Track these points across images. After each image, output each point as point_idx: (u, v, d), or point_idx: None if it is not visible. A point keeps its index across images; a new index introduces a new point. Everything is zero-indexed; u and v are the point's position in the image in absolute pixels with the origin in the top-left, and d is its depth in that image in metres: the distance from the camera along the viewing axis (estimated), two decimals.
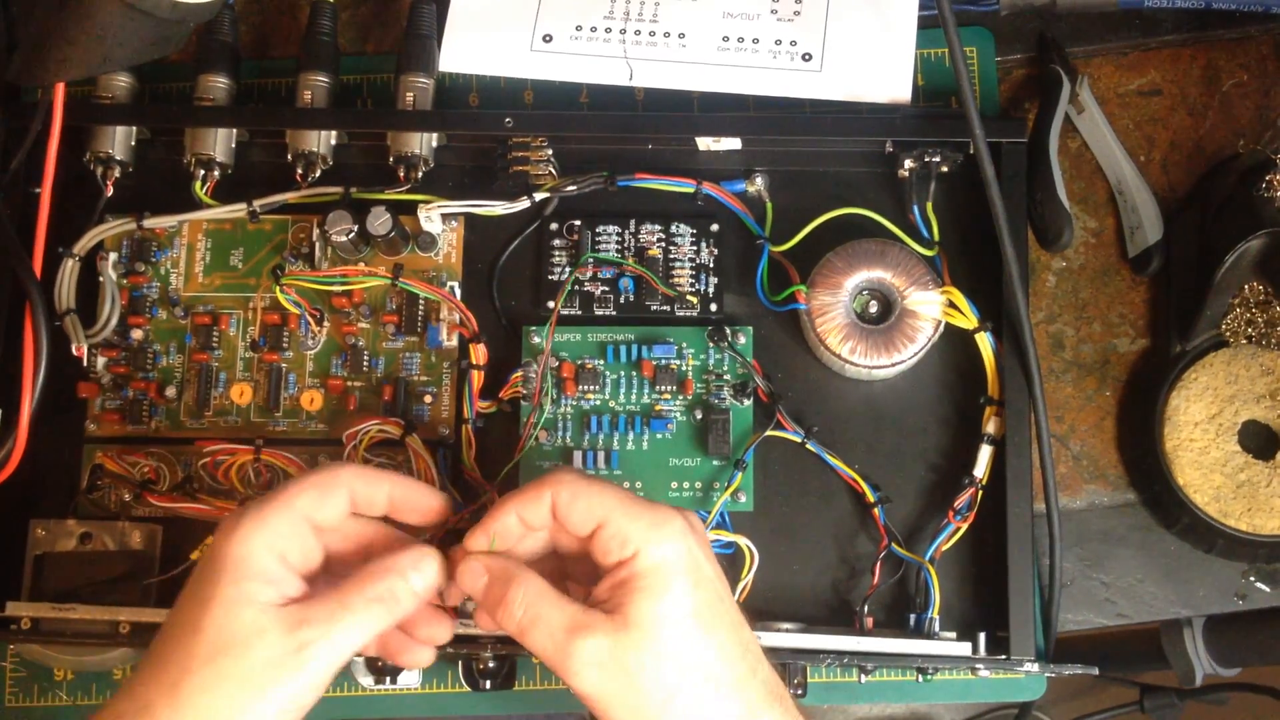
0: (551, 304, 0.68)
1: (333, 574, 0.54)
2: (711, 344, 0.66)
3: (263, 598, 0.51)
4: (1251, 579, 0.67)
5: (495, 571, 0.53)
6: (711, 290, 0.68)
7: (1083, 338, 0.70)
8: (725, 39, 0.69)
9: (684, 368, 0.67)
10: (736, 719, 0.50)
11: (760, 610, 0.65)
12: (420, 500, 0.57)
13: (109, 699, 0.52)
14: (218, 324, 0.69)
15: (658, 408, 0.66)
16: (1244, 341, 0.66)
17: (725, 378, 0.66)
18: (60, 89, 0.64)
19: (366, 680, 0.65)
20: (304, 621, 0.50)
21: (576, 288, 0.68)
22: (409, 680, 0.66)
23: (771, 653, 0.61)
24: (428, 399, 0.67)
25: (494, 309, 0.69)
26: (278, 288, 0.66)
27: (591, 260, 0.68)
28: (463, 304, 0.67)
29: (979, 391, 0.65)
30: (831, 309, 0.65)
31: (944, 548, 0.64)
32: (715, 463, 0.66)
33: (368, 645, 0.54)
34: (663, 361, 0.66)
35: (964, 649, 0.62)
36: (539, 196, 0.68)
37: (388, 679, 0.65)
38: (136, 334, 0.68)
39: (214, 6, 0.64)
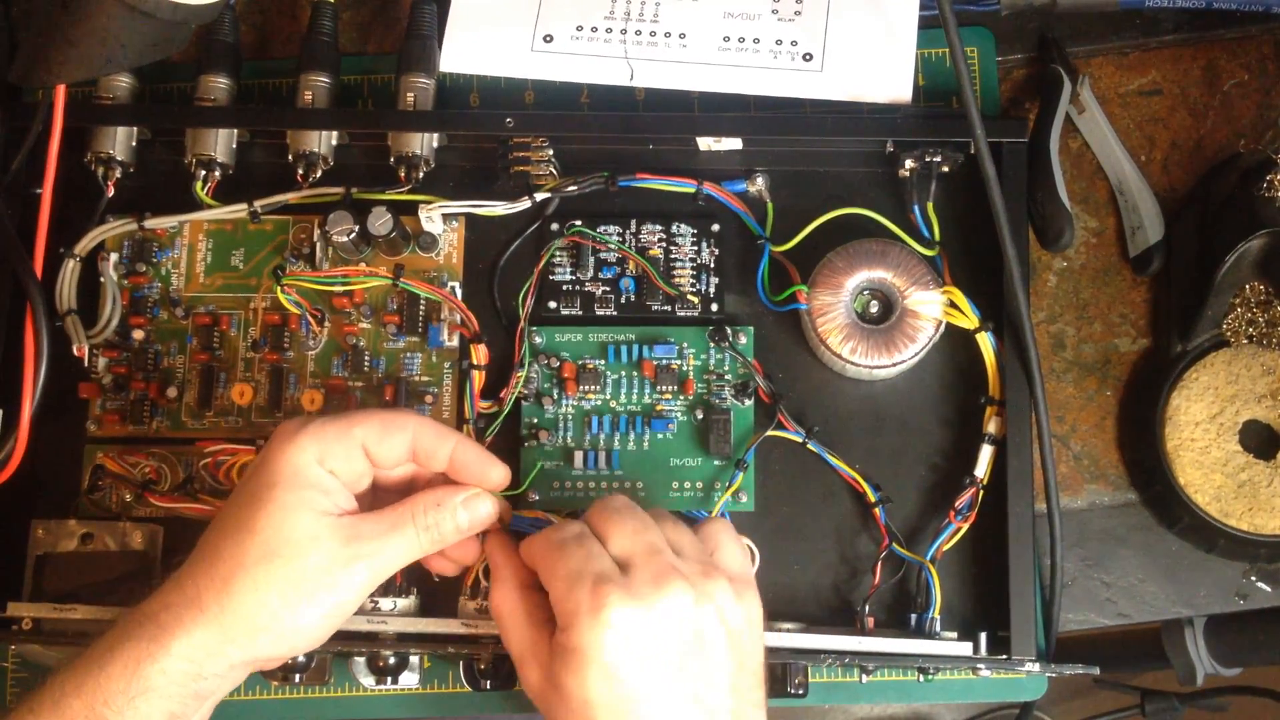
0: (553, 304, 0.68)
1: (379, 504, 0.56)
2: (712, 344, 0.66)
3: (319, 506, 0.53)
4: (1252, 579, 0.67)
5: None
6: (712, 290, 0.68)
7: (1084, 337, 0.70)
8: (726, 39, 0.69)
9: (685, 368, 0.67)
10: None
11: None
12: (481, 467, 0.58)
13: (156, 589, 0.53)
14: (219, 324, 0.69)
15: (659, 408, 0.66)
16: (1245, 341, 0.66)
17: (726, 378, 0.66)
18: (61, 90, 0.64)
19: (367, 680, 0.65)
20: (357, 536, 0.53)
21: (577, 288, 0.68)
22: (409, 680, 0.66)
23: (772, 653, 0.62)
24: (429, 399, 0.67)
25: (495, 309, 0.69)
26: (279, 288, 0.66)
27: (579, 233, 0.68)
28: (463, 304, 0.67)
29: (980, 391, 0.65)
30: (832, 309, 0.65)
31: (945, 547, 0.64)
32: (716, 463, 0.66)
33: None
34: (664, 361, 0.66)
35: (965, 649, 0.62)
36: (540, 197, 0.68)
37: (388, 679, 0.65)
38: (137, 334, 0.68)
39: (215, 8, 0.64)
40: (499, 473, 0.58)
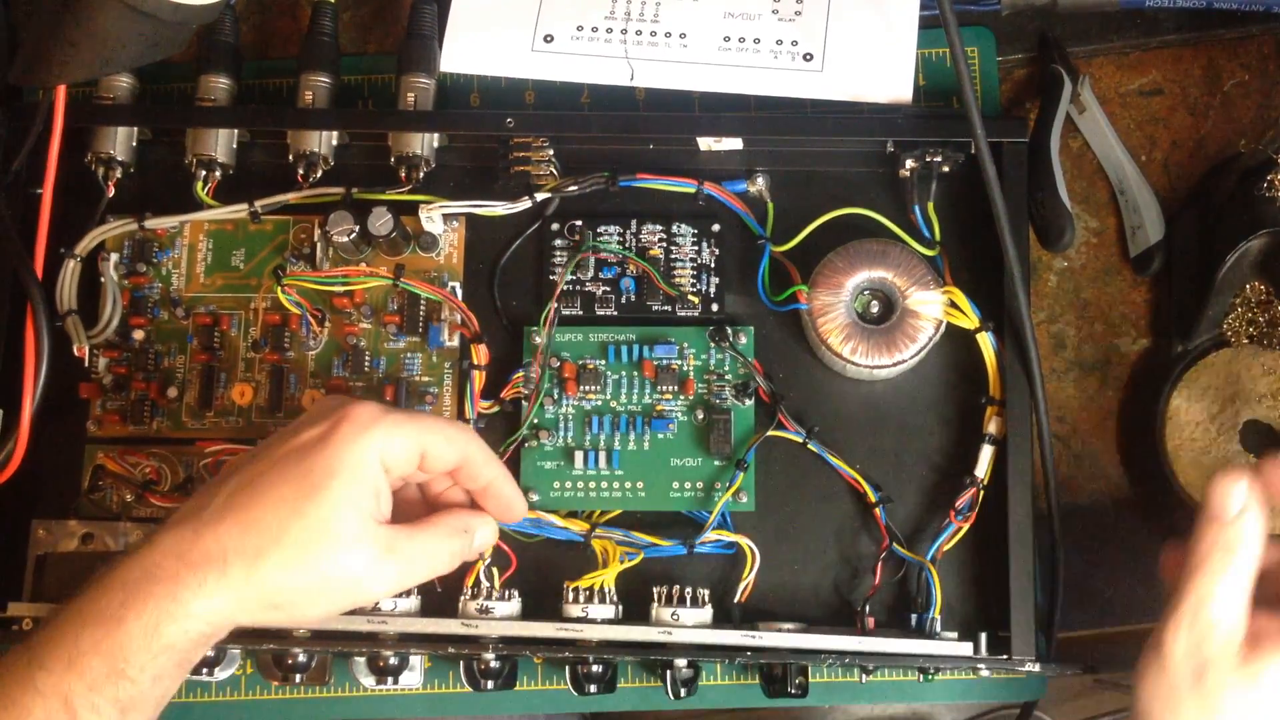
0: (554, 304, 0.68)
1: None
2: (713, 344, 0.66)
3: (369, 510, 0.52)
4: None
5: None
6: (713, 290, 0.68)
7: (1084, 337, 0.70)
8: (726, 39, 0.69)
9: (685, 368, 0.67)
10: None
11: (761, 610, 0.65)
12: (511, 504, 0.59)
13: (159, 532, 0.52)
14: (219, 324, 0.69)
15: (659, 408, 0.66)
16: (1245, 341, 0.66)
17: (727, 378, 0.66)
18: (61, 90, 0.64)
19: (368, 680, 0.65)
20: (393, 549, 0.53)
21: (577, 288, 0.68)
22: (410, 680, 0.66)
23: (772, 653, 0.62)
24: (429, 399, 0.67)
25: (495, 309, 0.69)
26: (279, 288, 0.66)
27: (592, 248, 0.68)
28: (464, 304, 0.67)
29: (980, 391, 0.65)
30: (833, 309, 0.65)
31: (945, 548, 0.64)
32: (717, 463, 0.66)
33: None
34: (664, 361, 0.66)
35: (965, 649, 0.62)
36: (540, 197, 0.68)
37: (389, 679, 0.65)
38: (138, 334, 0.68)
39: (216, 8, 0.64)
40: (523, 512, 0.60)
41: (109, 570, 0.51)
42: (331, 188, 0.68)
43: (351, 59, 0.74)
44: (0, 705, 0.48)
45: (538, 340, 0.67)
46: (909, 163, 0.67)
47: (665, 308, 0.68)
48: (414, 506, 0.59)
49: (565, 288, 0.68)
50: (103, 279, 0.69)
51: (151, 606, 0.49)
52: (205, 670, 0.65)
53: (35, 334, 0.64)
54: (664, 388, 0.66)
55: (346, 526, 0.51)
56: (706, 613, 0.63)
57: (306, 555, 0.51)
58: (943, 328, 0.65)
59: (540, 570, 0.66)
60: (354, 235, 0.66)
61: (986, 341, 0.65)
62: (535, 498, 0.65)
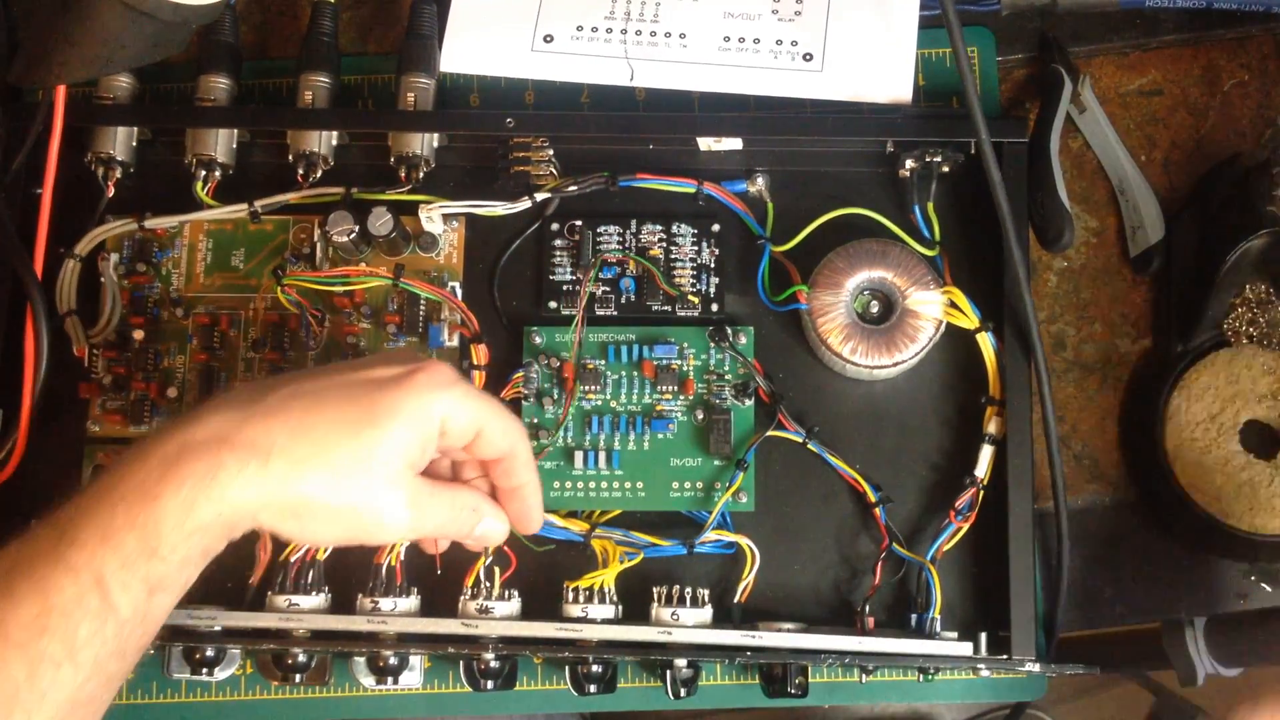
0: (554, 304, 0.68)
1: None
2: (713, 344, 0.66)
3: (413, 460, 0.52)
4: (1253, 579, 0.67)
5: None
6: (713, 290, 0.68)
7: (1084, 337, 0.70)
8: (726, 39, 0.69)
9: (685, 368, 0.67)
10: None
11: (761, 610, 0.65)
12: (530, 511, 0.58)
13: (201, 410, 0.51)
14: (219, 324, 0.69)
15: (659, 408, 0.66)
16: (1245, 341, 0.66)
17: (726, 378, 0.66)
18: (61, 90, 0.64)
19: (367, 680, 0.65)
20: (416, 503, 0.52)
21: (575, 288, 0.68)
22: (410, 680, 0.66)
23: (772, 653, 0.62)
24: None
25: (495, 309, 0.69)
26: (279, 288, 0.66)
27: (601, 254, 0.68)
28: (464, 304, 0.67)
29: (980, 391, 0.65)
30: (833, 309, 0.65)
31: (945, 547, 0.64)
32: (716, 463, 0.66)
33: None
34: (664, 361, 0.66)
35: (965, 649, 0.62)
36: (540, 197, 0.68)
37: (389, 679, 0.65)
38: (138, 334, 0.68)
39: (216, 8, 0.64)
40: (537, 528, 0.60)
41: (144, 446, 0.49)
42: (331, 188, 0.68)
43: (351, 59, 0.74)
44: (30, 584, 0.47)
45: (538, 340, 0.67)
46: (909, 163, 0.67)
47: (665, 308, 0.68)
48: (439, 480, 0.59)
49: (565, 287, 0.68)
50: (102, 279, 0.69)
51: (190, 483, 0.48)
52: (205, 670, 0.65)
53: (35, 334, 0.64)
54: (664, 388, 0.66)
55: (391, 465, 0.51)
56: (706, 613, 0.63)
57: (345, 477, 0.50)
58: (943, 328, 0.65)
59: (540, 570, 0.65)
60: (354, 235, 0.66)
61: (986, 341, 0.65)
62: None
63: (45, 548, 0.48)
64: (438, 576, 0.64)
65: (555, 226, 0.69)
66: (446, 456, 0.59)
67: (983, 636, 0.62)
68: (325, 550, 0.64)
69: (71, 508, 0.49)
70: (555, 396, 0.66)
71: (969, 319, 0.64)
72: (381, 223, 0.66)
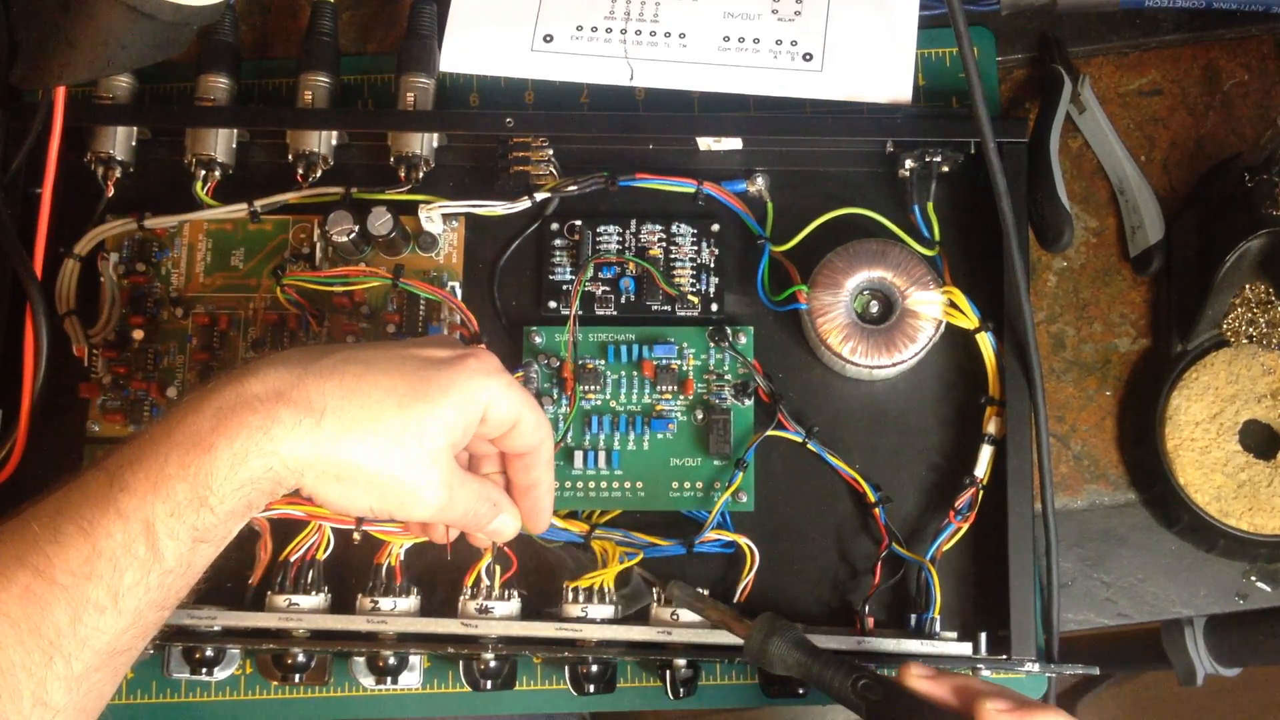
0: (553, 304, 0.68)
1: None
2: (712, 344, 0.66)
3: (455, 439, 0.53)
4: (1252, 578, 0.67)
5: None
6: (712, 290, 0.68)
7: (1084, 337, 0.70)
8: (726, 39, 0.69)
9: (685, 368, 0.67)
10: None
11: (761, 610, 0.65)
12: (541, 510, 0.59)
13: (258, 365, 0.51)
14: (218, 324, 0.69)
15: (659, 408, 0.66)
16: (1245, 341, 0.66)
17: (726, 378, 0.66)
18: (61, 90, 0.64)
19: (367, 680, 0.65)
20: (449, 484, 0.53)
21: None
22: (410, 680, 0.66)
23: None
24: None
25: (495, 309, 0.69)
26: (279, 288, 0.66)
27: (599, 254, 0.68)
28: (463, 304, 0.67)
29: (980, 391, 0.65)
30: (832, 309, 0.65)
31: (945, 547, 0.64)
32: (716, 463, 0.66)
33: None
34: (664, 361, 0.66)
35: (965, 649, 0.62)
36: (540, 196, 0.68)
37: (388, 679, 0.65)
38: (137, 334, 0.68)
39: (217, 9, 0.64)
40: (544, 528, 0.60)
41: (198, 398, 0.49)
42: (331, 188, 0.68)
43: (351, 59, 0.74)
44: (79, 528, 0.46)
45: (538, 340, 0.67)
46: (908, 163, 0.67)
47: (665, 307, 0.68)
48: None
49: (564, 287, 0.68)
50: (102, 279, 0.69)
51: (244, 436, 0.48)
52: (205, 670, 0.65)
53: (35, 334, 0.64)
54: (663, 388, 0.66)
55: (435, 442, 0.52)
56: None
57: (392, 447, 0.51)
58: (942, 328, 0.65)
59: (540, 570, 0.65)
60: (353, 235, 0.66)
61: (986, 341, 0.65)
62: None
63: (95, 492, 0.47)
64: (438, 575, 0.64)
65: (555, 226, 0.69)
66: (471, 447, 0.59)
67: (982, 636, 0.62)
68: (325, 550, 0.64)
69: (121, 455, 0.48)
70: (555, 396, 0.66)
71: (968, 319, 0.64)
72: (381, 223, 0.66)
